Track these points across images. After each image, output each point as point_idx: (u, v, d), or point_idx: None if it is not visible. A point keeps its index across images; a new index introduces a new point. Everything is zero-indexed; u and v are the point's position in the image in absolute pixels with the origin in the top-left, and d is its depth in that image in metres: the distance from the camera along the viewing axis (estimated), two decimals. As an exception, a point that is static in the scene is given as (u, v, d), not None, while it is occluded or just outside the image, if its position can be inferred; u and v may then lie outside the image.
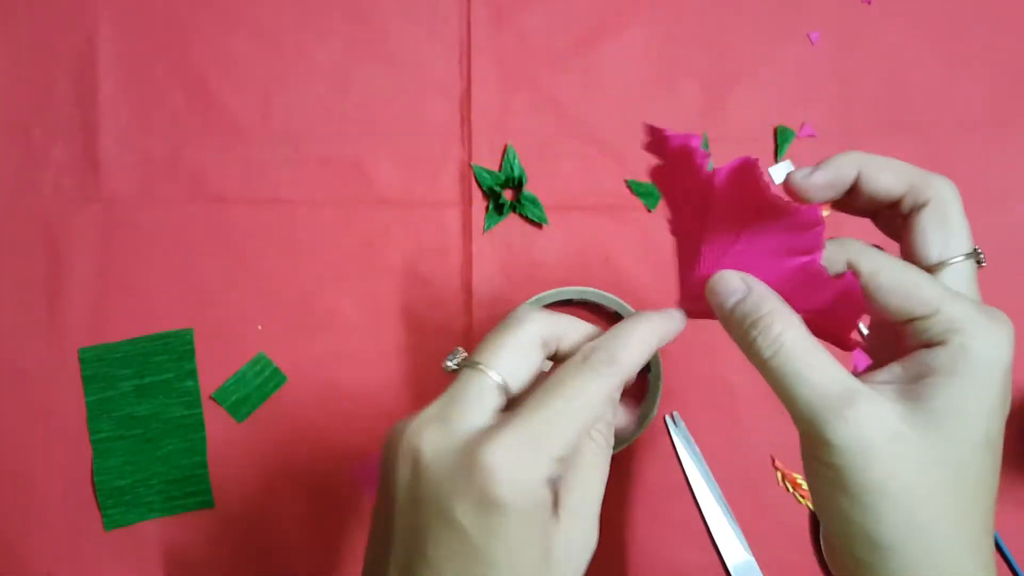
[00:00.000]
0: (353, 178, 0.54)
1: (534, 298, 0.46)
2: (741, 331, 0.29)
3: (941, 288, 0.28)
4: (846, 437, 0.26)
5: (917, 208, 0.31)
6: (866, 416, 0.26)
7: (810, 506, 0.50)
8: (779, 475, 0.51)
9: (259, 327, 0.52)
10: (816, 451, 0.27)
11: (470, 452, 0.27)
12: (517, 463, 0.26)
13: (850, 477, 0.26)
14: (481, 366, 0.29)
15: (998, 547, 0.51)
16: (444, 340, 0.53)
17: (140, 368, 0.52)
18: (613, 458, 0.51)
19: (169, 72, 0.54)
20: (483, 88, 0.54)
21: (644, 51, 0.55)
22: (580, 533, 0.29)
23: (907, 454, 0.26)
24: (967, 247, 0.31)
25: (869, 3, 0.56)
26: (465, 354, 0.31)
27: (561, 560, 0.28)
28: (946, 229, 0.30)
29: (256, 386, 0.52)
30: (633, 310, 0.35)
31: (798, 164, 0.54)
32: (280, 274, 0.53)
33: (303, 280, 0.53)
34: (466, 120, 0.54)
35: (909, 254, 0.31)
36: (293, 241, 0.53)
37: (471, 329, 0.52)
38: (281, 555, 0.51)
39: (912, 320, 0.28)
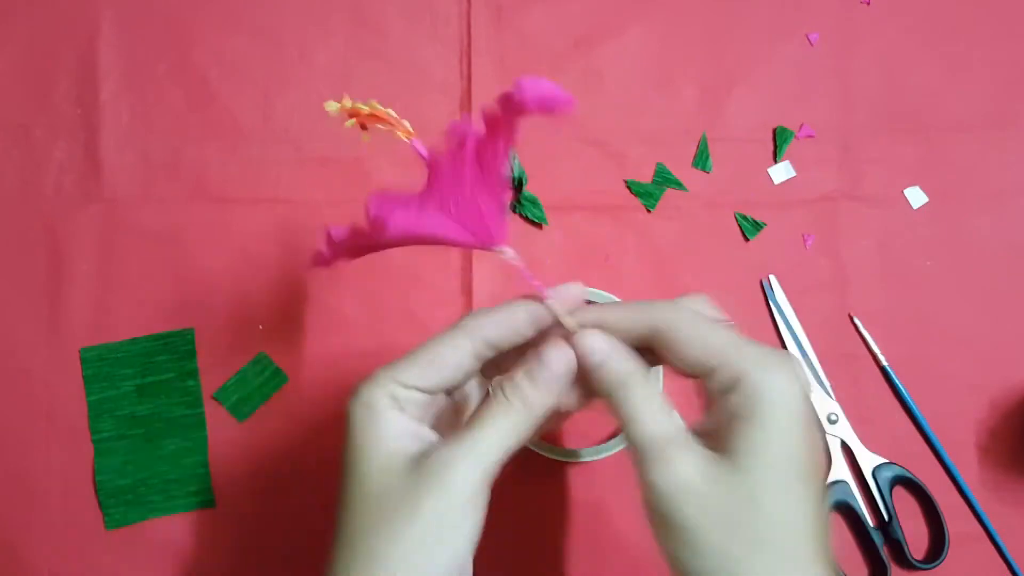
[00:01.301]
0: (353, 178, 0.54)
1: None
2: (602, 387, 0.33)
3: (729, 336, 0.32)
4: (659, 478, 0.30)
5: (724, 391, 0.32)
6: (681, 460, 0.30)
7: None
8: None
9: (260, 327, 0.53)
10: (643, 491, 0.31)
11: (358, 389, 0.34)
12: (355, 391, 0.33)
13: (669, 515, 0.30)
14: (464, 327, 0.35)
15: (997, 547, 0.51)
16: (444, 340, 0.53)
17: (141, 368, 0.52)
18: (612, 458, 0.51)
19: (170, 72, 0.54)
20: (483, 88, 0.55)
21: (644, 52, 0.55)
22: (461, 470, 0.31)
23: (716, 493, 0.29)
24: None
25: (868, 4, 0.56)
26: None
27: (440, 485, 0.31)
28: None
29: (257, 386, 0.52)
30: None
31: (797, 164, 0.54)
32: (281, 274, 0.53)
33: (304, 280, 0.53)
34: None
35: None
36: (293, 241, 0.53)
37: (471, 329, 0.53)
38: (282, 555, 0.51)
39: (711, 371, 0.31)
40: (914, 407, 0.52)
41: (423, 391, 0.33)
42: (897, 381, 0.52)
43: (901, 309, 0.53)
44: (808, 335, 0.53)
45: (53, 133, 0.54)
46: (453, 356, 0.33)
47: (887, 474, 0.51)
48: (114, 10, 0.55)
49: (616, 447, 0.49)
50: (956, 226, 0.54)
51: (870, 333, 0.53)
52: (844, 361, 0.53)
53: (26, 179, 0.54)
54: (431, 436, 0.34)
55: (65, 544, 0.51)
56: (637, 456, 0.31)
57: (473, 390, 0.38)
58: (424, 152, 0.36)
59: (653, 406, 0.32)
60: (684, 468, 0.30)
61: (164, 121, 0.54)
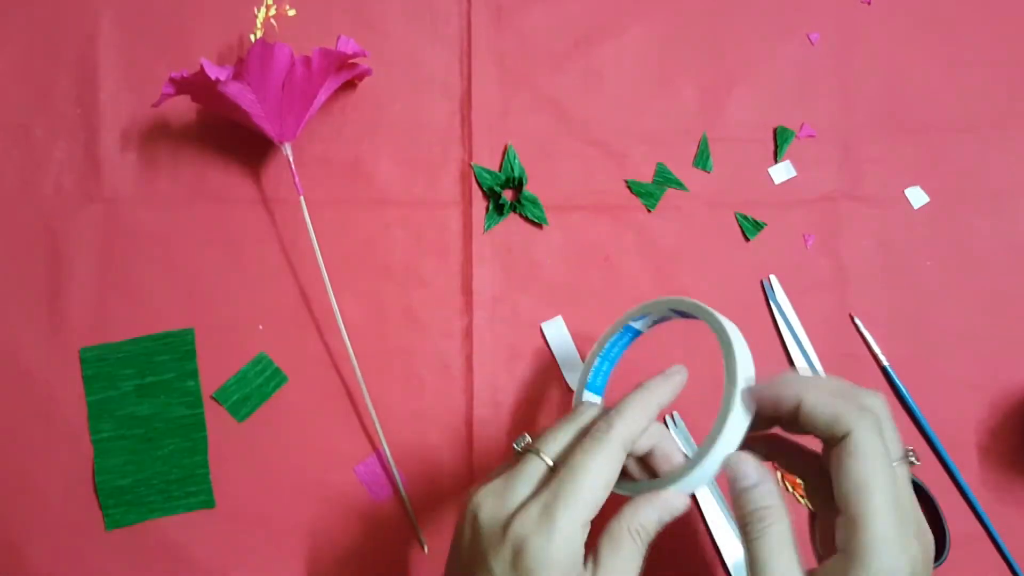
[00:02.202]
0: (353, 178, 0.54)
1: (635, 308, 0.43)
2: (740, 511, 0.35)
3: (880, 501, 0.32)
4: None
5: (837, 439, 0.34)
6: None
7: (809, 506, 0.51)
8: (778, 475, 0.51)
9: (260, 327, 0.53)
10: None
11: (509, 523, 0.34)
12: (537, 532, 0.33)
13: None
14: (538, 451, 0.36)
15: (998, 547, 0.51)
16: (444, 340, 0.53)
17: (141, 368, 0.52)
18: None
19: (169, 71, 0.54)
20: (483, 88, 0.54)
21: (644, 52, 0.55)
22: None
23: None
24: (899, 451, 0.35)
25: (869, 3, 0.56)
26: (529, 439, 0.37)
27: None
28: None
29: (257, 386, 0.52)
30: (720, 318, 0.39)
31: (798, 164, 0.54)
32: (281, 274, 0.53)
33: (303, 280, 0.53)
34: (466, 120, 0.54)
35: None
36: (293, 241, 0.53)
37: (471, 329, 0.53)
38: (282, 554, 0.51)
39: (846, 516, 0.33)
40: (914, 407, 0.52)
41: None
42: (897, 381, 0.52)
43: (901, 309, 0.53)
44: (808, 335, 0.53)
45: (53, 133, 0.54)
46: (615, 474, 0.35)
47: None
48: (114, 10, 0.55)
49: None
50: (956, 226, 0.54)
51: (870, 333, 0.53)
52: (844, 361, 0.53)
53: (26, 179, 0.54)
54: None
55: (65, 544, 0.51)
56: None
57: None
58: (213, 72, 0.45)
59: (784, 555, 0.34)
60: None
61: (164, 121, 0.54)
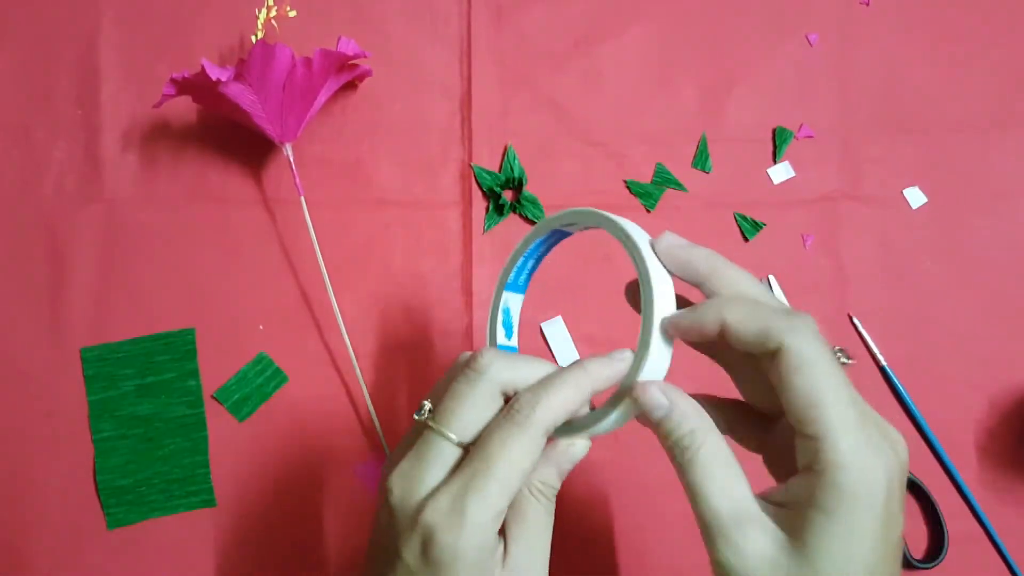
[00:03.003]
0: (353, 178, 0.54)
1: (541, 222, 0.39)
2: (665, 444, 0.32)
3: (838, 413, 0.28)
4: (729, 558, 0.29)
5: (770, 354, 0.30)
6: (749, 541, 0.29)
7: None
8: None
9: (260, 327, 0.53)
10: (712, 566, 0.30)
11: (419, 511, 0.31)
12: (447, 524, 0.30)
13: None
14: (442, 430, 0.32)
15: (997, 547, 0.51)
16: (444, 340, 0.53)
17: (142, 368, 0.52)
18: (612, 458, 0.51)
19: (170, 72, 0.54)
20: (483, 89, 0.55)
21: (643, 52, 0.55)
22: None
23: None
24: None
25: (867, 4, 0.56)
26: (430, 408, 0.34)
27: None
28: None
29: (257, 386, 0.52)
30: (633, 231, 0.34)
31: (797, 165, 0.54)
32: (281, 274, 0.53)
33: (303, 280, 0.53)
34: (466, 120, 0.54)
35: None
36: (294, 241, 0.53)
37: (471, 329, 0.53)
38: (282, 554, 0.51)
39: (804, 436, 0.29)
40: (913, 407, 0.52)
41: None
42: (896, 381, 0.52)
43: (900, 309, 0.53)
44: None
45: (53, 133, 0.54)
46: (534, 461, 0.32)
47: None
48: (114, 10, 0.55)
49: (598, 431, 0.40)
50: (955, 226, 0.54)
51: (869, 333, 0.53)
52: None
53: (26, 179, 0.54)
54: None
55: (66, 544, 0.51)
56: (704, 530, 0.30)
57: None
58: (214, 73, 0.46)
59: (719, 475, 0.30)
60: (753, 550, 0.29)
61: (164, 121, 0.54)
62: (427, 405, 0.34)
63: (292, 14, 0.53)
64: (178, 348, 0.52)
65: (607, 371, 0.33)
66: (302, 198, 0.51)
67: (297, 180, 0.51)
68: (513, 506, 0.33)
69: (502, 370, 0.33)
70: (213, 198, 0.54)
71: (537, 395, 0.32)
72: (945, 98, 0.55)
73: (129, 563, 0.51)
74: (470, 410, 0.32)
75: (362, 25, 0.55)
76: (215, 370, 0.52)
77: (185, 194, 0.54)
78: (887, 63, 0.55)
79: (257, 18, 0.52)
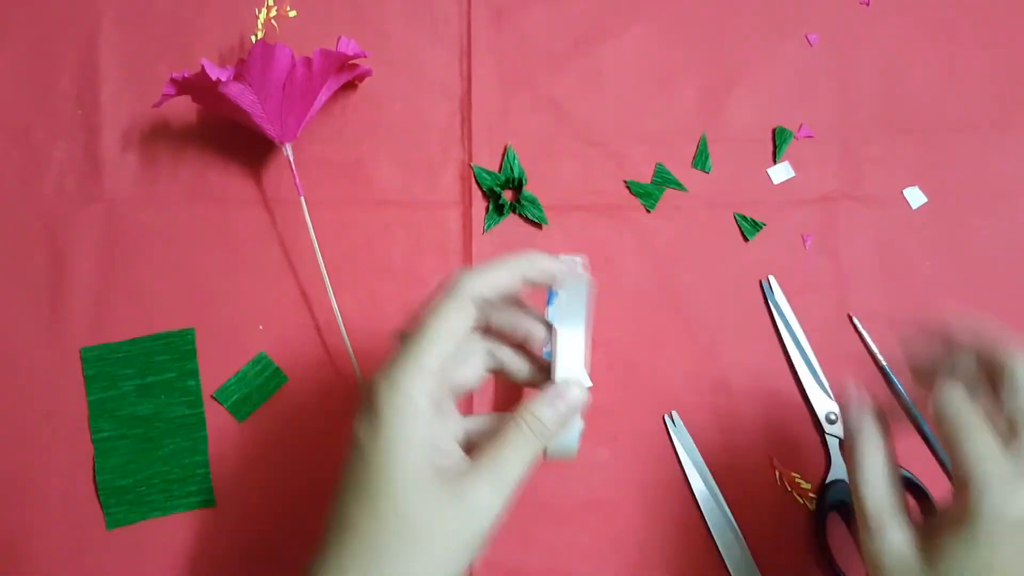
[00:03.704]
0: (353, 178, 0.54)
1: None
2: (846, 438, 0.38)
3: (985, 444, 0.33)
4: (871, 548, 0.35)
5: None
6: (887, 536, 0.34)
7: (809, 505, 0.51)
8: (777, 474, 0.51)
9: (260, 327, 0.53)
10: (862, 554, 0.36)
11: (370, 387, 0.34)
12: (392, 380, 0.33)
13: None
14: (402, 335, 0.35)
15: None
16: (444, 340, 0.53)
17: (142, 368, 0.52)
18: (612, 458, 0.51)
19: (170, 72, 0.54)
20: (483, 89, 0.55)
21: (643, 52, 0.55)
22: (485, 496, 0.33)
23: None
24: None
25: (867, 4, 0.56)
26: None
27: (465, 509, 0.33)
28: None
29: (257, 386, 0.52)
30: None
31: (796, 165, 0.54)
32: (281, 274, 0.53)
33: (303, 280, 0.53)
34: (466, 121, 0.54)
35: None
36: (294, 241, 0.53)
37: (471, 329, 0.53)
38: (282, 554, 0.51)
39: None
40: (913, 407, 0.52)
41: (440, 370, 0.34)
42: (896, 381, 0.52)
43: (900, 309, 0.53)
44: (807, 335, 0.53)
45: (54, 134, 0.54)
46: (461, 324, 0.35)
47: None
48: (114, 10, 0.55)
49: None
50: (955, 226, 0.54)
51: (869, 333, 0.53)
52: (843, 361, 0.53)
53: (27, 179, 0.54)
54: (454, 450, 0.35)
55: (66, 544, 0.51)
56: (858, 520, 0.36)
57: (469, 378, 0.39)
58: (214, 73, 0.46)
59: (875, 473, 0.36)
60: (890, 546, 0.34)
61: (164, 121, 0.54)
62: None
63: (292, 14, 0.53)
64: (178, 348, 0.52)
65: (542, 262, 0.36)
66: (302, 198, 0.51)
67: (297, 180, 0.51)
68: (498, 432, 0.35)
69: (469, 279, 0.35)
70: (213, 198, 0.54)
71: (471, 270, 0.35)
72: (945, 98, 0.55)
73: (129, 563, 0.51)
74: (437, 317, 0.35)
75: (362, 25, 0.55)
76: (215, 370, 0.52)
77: (185, 194, 0.54)
78: (887, 63, 0.55)
79: (257, 18, 0.52)
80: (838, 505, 0.50)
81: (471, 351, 0.39)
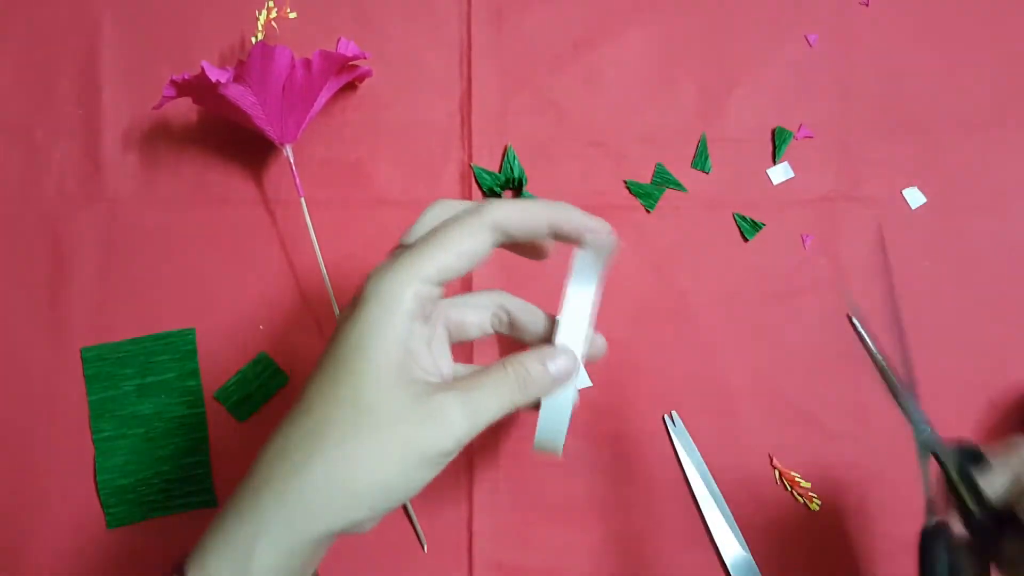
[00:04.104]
0: (353, 178, 0.54)
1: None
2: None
3: None
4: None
5: None
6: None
7: (810, 505, 0.51)
8: (776, 473, 0.51)
9: (261, 327, 0.53)
10: None
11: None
12: (383, 273, 0.32)
13: None
14: (402, 242, 0.36)
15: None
16: (444, 340, 0.53)
17: (142, 367, 0.52)
18: (612, 458, 0.51)
19: (171, 73, 0.54)
20: (483, 89, 0.55)
21: (643, 53, 0.55)
22: (454, 413, 0.32)
23: None
24: None
25: (867, 5, 0.56)
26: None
27: (429, 417, 0.31)
28: None
29: (258, 386, 0.52)
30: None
31: (796, 165, 0.54)
32: (281, 274, 0.53)
33: (304, 280, 0.53)
34: (466, 121, 0.55)
35: None
36: (294, 242, 0.53)
37: (471, 329, 0.53)
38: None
39: None
40: (912, 407, 0.52)
41: (438, 284, 0.33)
42: (896, 381, 0.52)
43: (900, 309, 0.53)
44: (806, 335, 0.53)
45: (54, 134, 0.54)
46: (474, 247, 0.33)
47: (886, 474, 0.51)
48: (114, 11, 0.55)
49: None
50: (954, 226, 0.54)
51: (868, 333, 0.53)
52: (842, 361, 0.53)
53: (28, 180, 0.54)
54: (431, 366, 0.34)
55: (66, 543, 0.51)
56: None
57: (471, 324, 0.39)
58: (214, 75, 0.46)
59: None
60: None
61: (165, 122, 0.54)
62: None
63: (292, 15, 0.53)
64: (178, 348, 0.52)
65: (576, 215, 0.35)
66: (302, 199, 0.51)
67: (297, 181, 0.51)
68: (482, 370, 0.34)
69: (496, 207, 0.34)
70: (214, 199, 0.54)
71: (502, 201, 0.34)
72: (945, 98, 0.55)
73: (129, 563, 0.51)
74: (451, 229, 0.34)
75: (362, 26, 0.55)
76: (215, 370, 0.52)
77: (186, 195, 0.54)
78: (887, 63, 0.55)
79: (257, 19, 0.52)
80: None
81: (481, 302, 0.38)
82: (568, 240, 0.36)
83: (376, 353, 0.31)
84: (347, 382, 0.31)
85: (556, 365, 0.35)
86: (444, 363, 0.37)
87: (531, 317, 0.38)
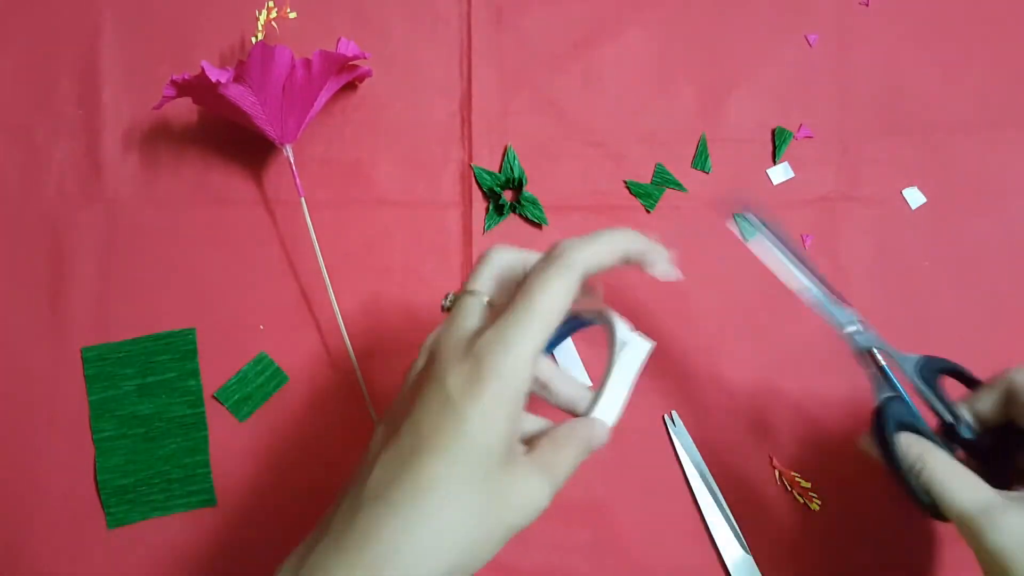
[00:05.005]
0: (353, 178, 0.54)
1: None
2: (907, 482, 0.40)
3: None
4: (998, 540, 0.36)
5: None
6: (1009, 521, 0.36)
7: (810, 505, 0.51)
8: (776, 473, 0.51)
9: (261, 327, 0.53)
10: (978, 551, 0.37)
11: (468, 343, 0.33)
12: (498, 347, 0.32)
13: (1011, 568, 0.35)
14: (471, 290, 0.36)
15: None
16: (444, 340, 0.53)
17: (142, 367, 0.52)
18: (612, 458, 0.51)
19: (171, 73, 0.54)
20: (483, 89, 0.55)
21: (643, 53, 0.55)
22: (541, 492, 0.33)
23: None
24: None
25: (867, 5, 0.56)
26: (454, 294, 0.37)
27: (518, 496, 0.33)
28: None
29: (258, 385, 0.52)
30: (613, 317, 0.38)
31: (796, 165, 0.54)
32: (281, 274, 0.53)
33: (304, 280, 0.53)
34: (466, 121, 0.55)
35: None
36: (294, 241, 0.53)
37: (471, 329, 0.53)
38: (282, 554, 0.51)
39: None
40: (913, 407, 0.52)
41: (541, 349, 0.33)
42: (895, 381, 0.52)
43: (899, 309, 0.53)
44: (806, 335, 0.53)
45: (55, 134, 0.54)
46: (569, 301, 0.33)
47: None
48: (114, 11, 0.55)
49: None
50: (954, 226, 0.54)
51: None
52: (843, 361, 0.52)
53: (28, 180, 0.54)
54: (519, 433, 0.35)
55: (66, 543, 0.51)
56: (963, 529, 0.37)
57: None
58: (214, 75, 0.46)
59: (959, 479, 0.38)
60: (1016, 528, 0.36)
61: (165, 122, 0.54)
62: (450, 295, 0.37)
63: (292, 15, 0.53)
64: (178, 348, 0.52)
65: (641, 241, 0.36)
66: (302, 199, 0.51)
67: (297, 181, 0.51)
68: (553, 434, 0.35)
69: (508, 252, 0.36)
70: (214, 199, 0.54)
71: (578, 241, 0.34)
72: (945, 98, 0.55)
73: (129, 563, 0.51)
74: (489, 278, 0.36)
75: (363, 26, 0.55)
76: (215, 370, 0.52)
77: (186, 194, 0.54)
78: (887, 63, 0.55)
79: (257, 19, 0.52)
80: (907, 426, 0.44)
81: None
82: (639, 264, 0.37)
83: (501, 433, 0.32)
84: (476, 461, 0.31)
85: (592, 438, 0.36)
86: None
87: (566, 387, 0.38)
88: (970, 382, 0.45)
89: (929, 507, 0.39)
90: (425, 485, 0.31)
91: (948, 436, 0.43)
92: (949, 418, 0.42)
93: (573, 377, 0.39)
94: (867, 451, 0.42)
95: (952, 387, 0.45)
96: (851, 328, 0.45)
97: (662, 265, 0.36)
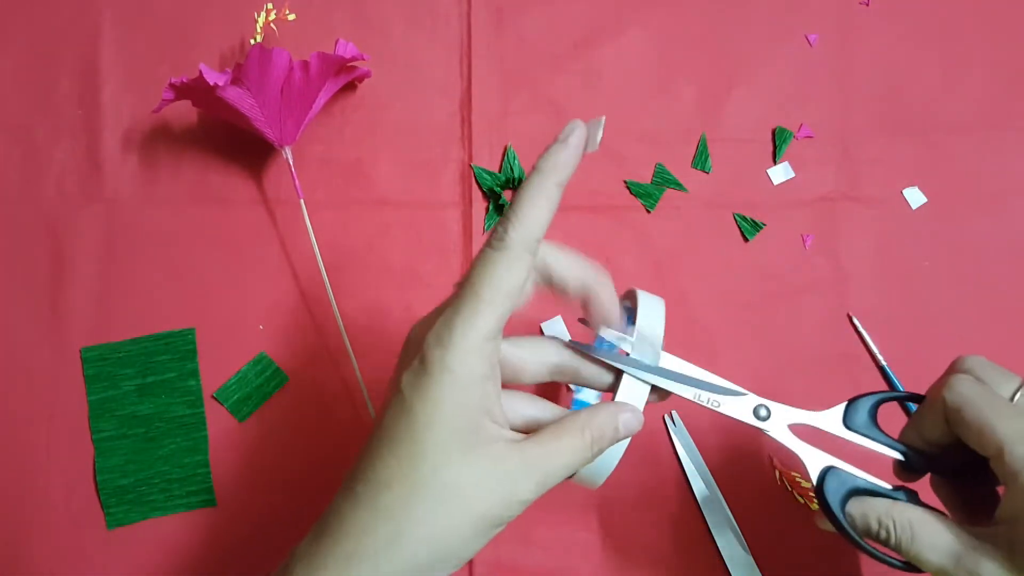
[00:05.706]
0: (353, 178, 0.54)
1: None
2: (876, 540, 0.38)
3: (1012, 428, 0.34)
4: None
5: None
6: (982, 568, 0.34)
7: (811, 505, 0.51)
8: (777, 474, 0.51)
9: (260, 327, 0.53)
10: None
11: (422, 337, 0.32)
12: (444, 337, 0.31)
13: None
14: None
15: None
16: (444, 340, 0.53)
17: (142, 367, 0.52)
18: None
19: (171, 73, 0.54)
20: (483, 89, 0.55)
21: (643, 53, 0.55)
22: (524, 487, 0.32)
23: None
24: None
25: (867, 5, 0.56)
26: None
27: (502, 489, 0.32)
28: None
29: (257, 386, 0.52)
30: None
31: (796, 165, 0.54)
32: (281, 275, 0.53)
33: (303, 281, 0.53)
34: (466, 121, 0.55)
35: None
36: (293, 241, 0.53)
37: (471, 329, 0.53)
38: (282, 554, 0.51)
39: (993, 462, 0.35)
40: (912, 407, 0.52)
41: (500, 332, 0.33)
42: (895, 381, 0.52)
43: (900, 309, 0.53)
44: (806, 335, 0.53)
45: (55, 134, 0.54)
46: (520, 278, 0.33)
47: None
48: (114, 11, 0.55)
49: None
50: (954, 226, 0.54)
51: (869, 333, 0.53)
52: (843, 361, 0.53)
53: (28, 180, 0.54)
54: (502, 417, 0.34)
55: (66, 543, 0.51)
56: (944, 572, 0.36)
57: (527, 374, 0.38)
58: (212, 78, 0.46)
59: (928, 537, 0.36)
60: (989, 572, 0.34)
61: (165, 122, 0.54)
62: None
63: (291, 17, 0.53)
64: (178, 348, 0.52)
65: (563, 155, 0.34)
66: (301, 200, 0.51)
67: (296, 183, 0.51)
68: (555, 426, 0.34)
69: (515, 227, 0.34)
70: (213, 199, 0.54)
71: (508, 216, 0.33)
72: (944, 98, 0.55)
73: (129, 563, 0.51)
74: (490, 273, 0.33)
75: (362, 26, 0.55)
76: (215, 370, 0.52)
77: (186, 195, 0.54)
78: (887, 63, 0.55)
79: (256, 21, 0.52)
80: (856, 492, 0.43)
81: (542, 356, 0.37)
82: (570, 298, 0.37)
83: (455, 428, 0.31)
84: (428, 458, 0.31)
85: (626, 424, 0.35)
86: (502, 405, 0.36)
87: (592, 371, 0.38)
88: (902, 400, 0.43)
89: (904, 565, 0.38)
90: (383, 482, 0.31)
91: (908, 470, 0.40)
92: (898, 455, 0.40)
93: (593, 359, 0.38)
94: (827, 530, 0.39)
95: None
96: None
97: (591, 138, 0.35)
